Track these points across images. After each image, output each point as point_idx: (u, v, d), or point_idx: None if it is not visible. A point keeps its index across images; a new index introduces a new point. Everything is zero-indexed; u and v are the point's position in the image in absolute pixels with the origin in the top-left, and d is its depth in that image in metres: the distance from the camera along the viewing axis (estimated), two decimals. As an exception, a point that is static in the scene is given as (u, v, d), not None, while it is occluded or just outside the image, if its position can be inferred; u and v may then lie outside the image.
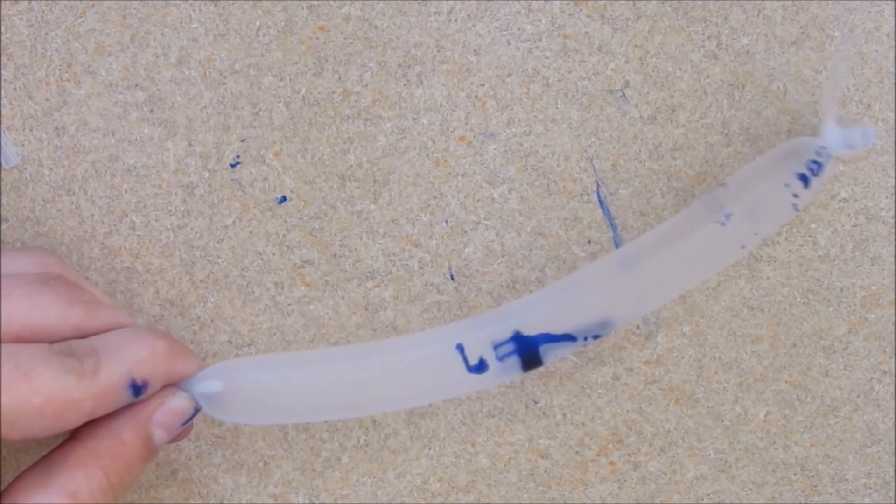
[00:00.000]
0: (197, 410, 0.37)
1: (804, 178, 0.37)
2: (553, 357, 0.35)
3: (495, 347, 0.35)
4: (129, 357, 0.34)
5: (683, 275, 0.36)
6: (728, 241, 0.37)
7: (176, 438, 0.37)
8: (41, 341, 0.34)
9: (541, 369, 0.42)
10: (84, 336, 0.35)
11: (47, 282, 0.34)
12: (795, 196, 0.37)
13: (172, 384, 0.36)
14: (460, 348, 0.35)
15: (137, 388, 0.35)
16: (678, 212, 0.38)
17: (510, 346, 0.35)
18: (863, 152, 0.37)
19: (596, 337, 0.36)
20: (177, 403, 0.36)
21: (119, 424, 0.35)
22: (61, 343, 0.34)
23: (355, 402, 0.36)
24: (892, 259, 0.43)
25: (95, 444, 0.34)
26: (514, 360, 0.35)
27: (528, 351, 0.35)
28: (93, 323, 0.35)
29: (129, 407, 0.35)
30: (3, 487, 0.35)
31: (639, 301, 0.36)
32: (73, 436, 0.35)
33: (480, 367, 0.34)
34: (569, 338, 0.35)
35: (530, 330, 0.34)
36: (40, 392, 0.32)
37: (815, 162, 0.37)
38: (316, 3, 0.42)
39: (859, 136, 0.37)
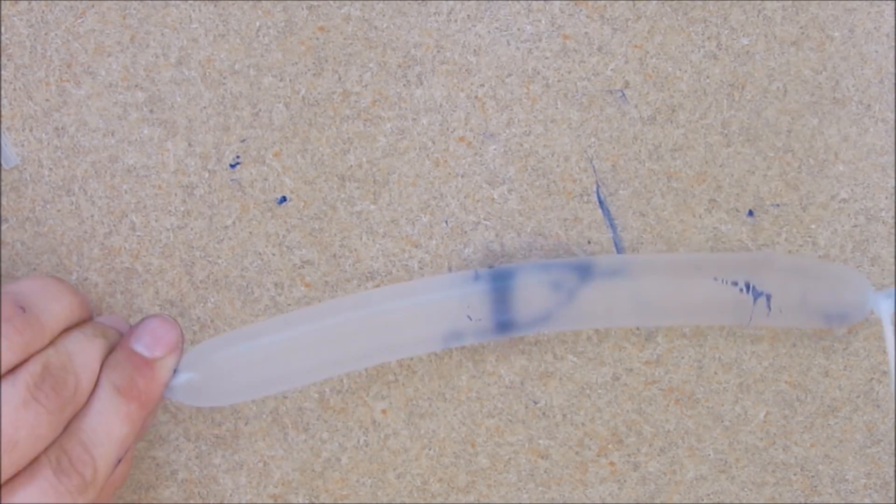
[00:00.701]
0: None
1: (830, 319, 0.39)
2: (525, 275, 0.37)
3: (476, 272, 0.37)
4: (117, 444, 0.36)
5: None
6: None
7: None
8: (38, 453, 0.34)
9: (540, 369, 0.42)
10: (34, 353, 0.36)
11: (40, 398, 0.34)
12: (827, 320, 0.39)
13: None
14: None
15: (119, 459, 0.36)
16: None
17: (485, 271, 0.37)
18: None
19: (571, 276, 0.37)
20: (153, 418, 0.38)
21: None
22: (56, 450, 0.35)
23: (324, 362, 0.37)
24: (892, 259, 0.43)
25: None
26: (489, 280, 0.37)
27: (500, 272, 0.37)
28: (78, 408, 0.36)
29: None
30: None
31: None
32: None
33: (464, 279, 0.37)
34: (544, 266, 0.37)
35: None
36: None
37: (843, 315, 0.39)
38: (316, 3, 0.42)
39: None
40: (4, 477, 0.33)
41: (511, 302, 0.37)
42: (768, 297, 0.37)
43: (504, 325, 0.37)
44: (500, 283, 0.37)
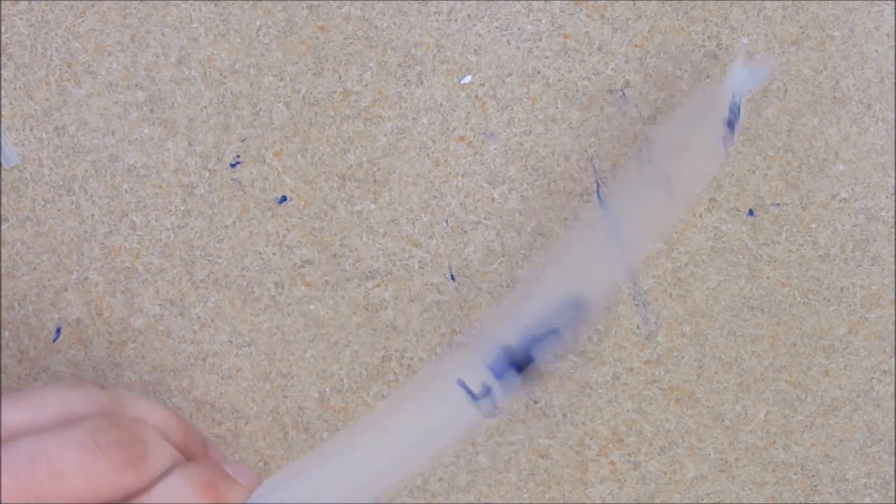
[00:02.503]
0: None
1: (730, 123, 0.38)
2: (544, 355, 0.36)
3: (492, 370, 0.35)
4: None
5: (630, 239, 0.37)
6: (671, 201, 0.37)
7: None
8: None
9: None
10: (132, 494, 0.34)
11: (101, 446, 0.32)
12: (725, 137, 0.38)
13: None
14: (462, 384, 0.35)
15: None
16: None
17: (505, 363, 0.36)
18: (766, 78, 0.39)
19: (577, 323, 0.36)
20: None
21: None
22: None
23: (384, 473, 0.36)
24: (892, 259, 0.43)
25: None
26: (511, 373, 0.36)
27: (519, 359, 0.35)
28: (142, 481, 0.34)
29: None
30: None
31: (603, 270, 0.37)
32: None
33: (486, 393, 0.35)
34: (552, 332, 0.35)
35: (517, 340, 0.35)
36: None
37: (734, 105, 0.38)
38: (316, 3, 0.42)
39: (763, 71, 0.38)
40: None
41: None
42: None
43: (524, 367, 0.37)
44: (521, 359, 0.36)
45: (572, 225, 0.41)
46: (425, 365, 0.42)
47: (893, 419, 0.43)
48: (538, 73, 0.42)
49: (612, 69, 0.42)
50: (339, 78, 0.42)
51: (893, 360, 0.43)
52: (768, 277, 0.43)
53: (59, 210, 0.42)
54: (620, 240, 0.42)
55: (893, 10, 0.42)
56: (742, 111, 0.38)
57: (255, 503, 0.35)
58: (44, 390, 0.34)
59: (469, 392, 0.35)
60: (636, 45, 0.42)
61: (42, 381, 0.42)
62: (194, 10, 0.41)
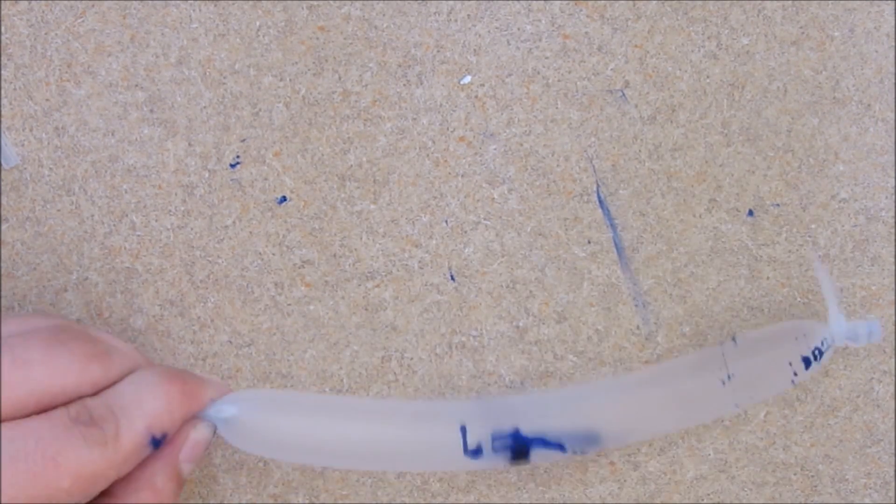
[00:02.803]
0: (214, 430, 0.37)
1: (807, 361, 0.39)
2: (540, 458, 0.38)
3: (494, 439, 0.37)
4: (147, 413, 0.34)
5: (672, 415, 0.39)
6: (724, 399, 0.39)
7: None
8: (58, 404, 0.33)
9: (540, 369, 0.42)
10: (100, 389, 0.35)
11: (62, 339, 0.33)
12: (795, 374, 0.39)
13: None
14: (463, 431, 0.37)
15: (157, 441, 0.35)
16: (683, 353, 0.41)
17: (507, 441, 0.38)
18: (865, 345, 0.41)
19: (583, 452, 0.38)
20: (200, 435, 0.36)
21: (151, 473, 0.35)
22: (78, 405, 0.33)
23: (354, 456, 0.38)
24: (892, 259, 0.43)
25: (133, 498, 0.35)
26: (506, 454, 0.38)
27: (520, 448, 0.38)
28: (109, 375, 0.34)
29: (156, 454, 0.35)
30: None
31: (627, 426, 0.39)
32: (107, 492, 0.35)
33: (476, 452, 0.37)
34: (559, 446, 0.38)
35: (528, 431, 0.37)
36: (68, 474, 0.32)
37: (818, 349, 0.39)
38: (316, 3, 0.42)
39: (864, 332, 0.39)
40: (16, 402, 0.32)
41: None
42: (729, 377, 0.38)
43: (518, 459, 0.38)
44: (519, 448, 0.38)
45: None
46: (441, 395, 0.42)
47: (893, 419, 0.43)
48: (538, 73, 0.42)
49: (612, 69, 0.42)
50: (339, 78, 0.42)
51: (893, 360, 0.43)
52: (768, 278, 0.43)
53: (59, 210, 0.42)
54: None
55: (893, 10, 0.42)
56: (824, 360, 0.39)
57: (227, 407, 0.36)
58: (3, 317, 0.34)
59: (464, 443, 0.37)
60: (636, 45, 0.42)
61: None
62: (194, 10, 0.41)
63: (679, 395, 0.39)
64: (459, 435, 0.37)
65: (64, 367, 0.33)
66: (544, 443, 0.37)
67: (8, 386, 0.32)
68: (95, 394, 0.34)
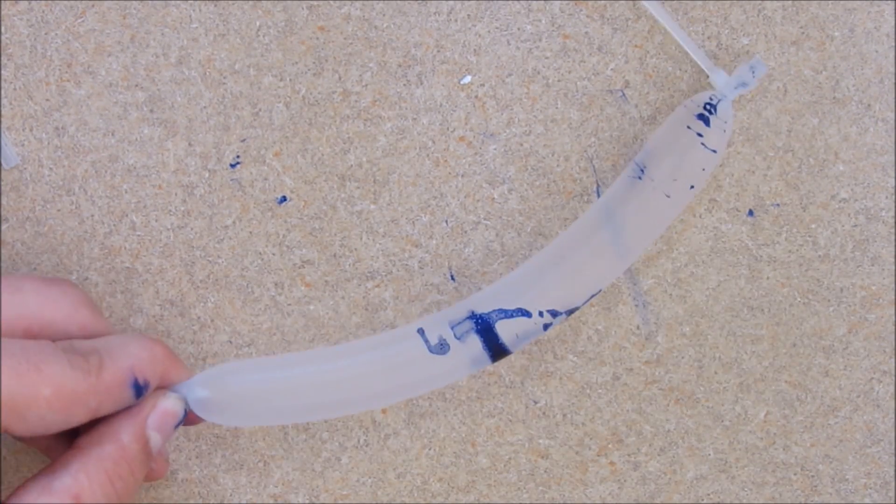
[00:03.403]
0: (186, 413, 0.37)
1: (703, 118, 0.38)
2: (514, 337, 0.37)
3: (453, 327, 0.37)
4: (131, 356, 0.35)
5: (625, 239, 0.38)
6: (651, 194, 0.38)
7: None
8: (47, 338, 0.34)
9: (540, 369, 0.42)
10: (88, 338, 0.36)
11: (57, 283, 0.35)
12: (700, 135, 0.38)
13: (163, 388, 0.37)
14: (420, 332, 0.37)
15: (139, 388, 0.36)
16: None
17: (467, 325, 0.37)
18: (758, 85, 0.40)
19: (554, 314, 0.38)
20: (168, 405, 0.37)
21: (118, 429, 0.36)
22: (65, 341, 0.34)
23: (334, 402, 0.38)
24: (892, 259, 0.43)
25: (98, 450, 0.35)
26: (474, 339, 0.37)
27: (485, 328, 0.37)
28: (97, 326, 0.36)
29: (125, 411, 0.36)
30: (4, 491, 0.35)
31: (565, 295, 0.38)
32: (75, 445, 0.36)
33: (441, 347, 0.37)
34: (523, 312, 0.37)
35: (484, 308, 0.37)
36: (49, 383, 0.33)
37: (709, 105, 0.39)
38: (316, 3, 0.42)
39: (748, 72, 0.39)
40: (6, 322, 0.33)
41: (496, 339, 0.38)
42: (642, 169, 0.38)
43: (493, 345, 0.38)
44: (485, 328, 0.37)
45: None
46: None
47: (893, 419, 0.43)
48: (538, 73, 0.42)
49: (612, 69, 0.42)
50: (339, 78, 0.42)
51: (893, 360, 0.43)
52: (768, 278, 0.43)
53: (59, 210, 0.42)
54: (620, 242, 0.42)
55: (893, 10, 0.42)
56: (721, 112, 0.39)
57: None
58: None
59: (426, 342, 0.37)
60: (636, 45, 0.42)
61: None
62: (194, 10, 0.41)
63: (621, 216, 0.38)
64: (418, 337, 0.37)
65: (55, 302, 0.34)
66: (504, 312, 0.37)
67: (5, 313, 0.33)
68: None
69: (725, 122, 0.39)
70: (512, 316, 0.37)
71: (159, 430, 0.36)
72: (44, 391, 0.32)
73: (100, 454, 0.35)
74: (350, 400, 0.38)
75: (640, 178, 0.38)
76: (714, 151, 0.39)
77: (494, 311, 0.37)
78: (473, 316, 0.38)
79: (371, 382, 0.37)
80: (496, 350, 0.38)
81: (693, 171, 0.39)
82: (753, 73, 0.39)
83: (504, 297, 0.37)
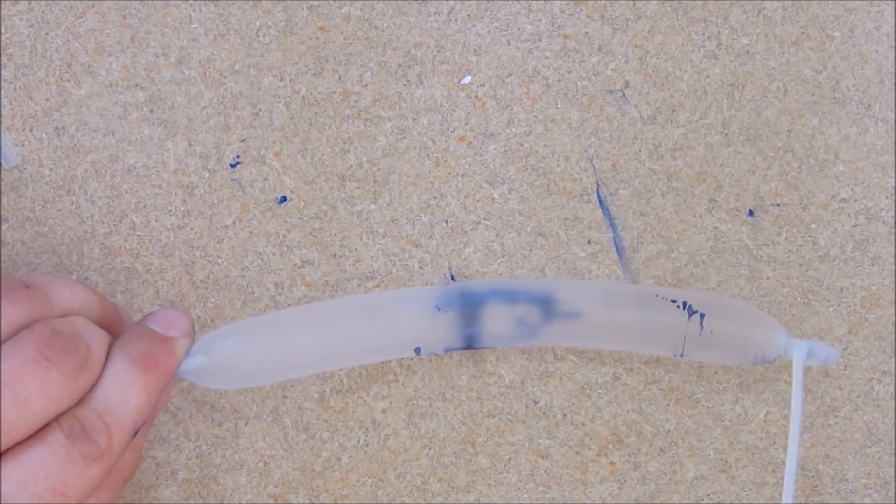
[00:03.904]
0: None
1: (755, 361, 0.39)
2: (492, 316, 0.39)
3: (438, 299, 0.38)
4: (133, 412, 0.35)
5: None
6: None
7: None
8: (51, 417, 0.34)
9: (540, 369, 0.42)
10: (86, 393, 0.35)
11: (53, 357, 0.34)
12: (742, 362, 0.40)
13: None
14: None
15: (136, 431, 0.36)
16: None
17: (453, 298, 0.38)
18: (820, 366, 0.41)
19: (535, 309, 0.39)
20: (168, 399, 0.37)
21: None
22: (69, 419, 0.34)
23: (326, 359, 0.38)
24: (892, 259, 0.43)
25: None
26: (455, 313, 0.38)
27: (468, 305, 0.38)
28: (93, 379, 0.35)
29: None
30: None
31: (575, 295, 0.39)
32: None
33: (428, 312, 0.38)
34: (509, 298, 0.38)
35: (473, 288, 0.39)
36: (75, 497, 0.33)
37: (767, 357, 0.39)
38: (316, 3, 0.42)
39: (821, 356, 0.39)
40: (16, 436, 0.32)
41: (478, 325, 0.38)
42: (702, 316, 0.38)
43: (470, 339, 0.39)
44: (468, 309, 0.38)
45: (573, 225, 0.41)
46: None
47: (893, 419, 0.43)
48: (538, 73, 0.42)
49: (612, 69, 0.42)
50: (339, 78, 0.42)
51: (893, 360, 0.43)
52: (768, 278, 0.43)
53: (59, 210, 0.42)
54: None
55: (893, 10, 0.42)
56: (767, 362, 0.39)
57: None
58: None
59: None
60: (636, 46, 0.42)
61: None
62: (194, 10, 0.41)
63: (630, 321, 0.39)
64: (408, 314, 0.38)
65: (58, 393, 0.33)
66: (492, 293, 0.38)
67: (11, 428, 0.32)
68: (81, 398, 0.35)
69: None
70: (497, 301, 0.39)
71: (148, 423, 0.37)
72: None
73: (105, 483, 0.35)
74: (336, 360, 0.39)
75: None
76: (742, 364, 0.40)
77: (485, 292, 0.39)
78: (462, 292, 0.38)
79: (357, 355, 0.39)
80: (471, 318, 0.39)
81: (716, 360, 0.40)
82: (824, 359, 0.39)
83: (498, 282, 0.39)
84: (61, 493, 0.33)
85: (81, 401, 0.34)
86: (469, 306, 0.38)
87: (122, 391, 0.35)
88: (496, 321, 0.38)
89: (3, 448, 0.32)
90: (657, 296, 0.39)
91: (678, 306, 0.38)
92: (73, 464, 0.33)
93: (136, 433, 0.35)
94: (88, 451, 0.33)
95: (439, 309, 0.38)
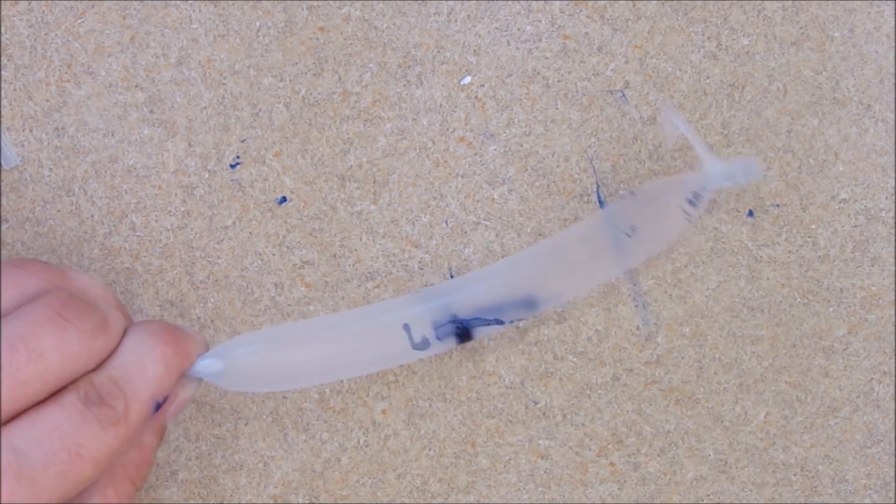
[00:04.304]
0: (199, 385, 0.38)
1: (692, 203, 0.39)
2: (484, 333, 0.40)
3: (436, 328, 0.39)
4: (150, 381, 0.35)
5: (597, 268, 0.40)
6: (634, 249, 0.40)
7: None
8: (68, 378, 0.34)
9: (540, 369, 0.42)
10: (103, 359, 0.35)
11: (70, 316, 0.34)
12: (687, 214, 0.40)
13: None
14: (407, 328, 0.39)
15: (159, 405, 0.35)
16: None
17: (449, 329, 0.39)
18: (746, 184, 0.41)
19: (521, 318, 0.40)
20: (187, 393, 0.37)
21: (141, 432, 0.36)
22: (85, 384, 0.34)
23: (323, 372, 0.39)
24: (892, 259, 0.43)
25: (121, 459, 0.35)
26: (451, 339, 0.39)
27: (462, 331, 0.39)
28: (111, 345, 0.35)
29: None
30: None
31: (559, 286, 0.40)
32: None
33: (424, 344, 0.39)
34: (497, 322, 0.39)
35: (466, 314, 0.39)
36: (91, 462, 0.33)
37: (698, 193, 0.39)
38: (316, 3, 0.42)
39: (742, 171, 0.39)
40: (31, 392, 0.32)
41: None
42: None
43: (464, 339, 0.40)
44: (462, 331, 0.40)
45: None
46: (379, 301, 0.43)
47: (893, 420, 0.43)
48: (538, 73, 0.42)
49: (611, 70, 0.42)
50: (339, 79, 0.42)
51: (893, 360, 0.43)
52: (768, 278, 0.43)
53: (58, 211, 0.42)
54: (621, 248, 0.42)
55: (893, 11, 0.42)
56: (705, 201, 0.39)
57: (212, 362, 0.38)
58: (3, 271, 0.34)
59: (410, 338, 0.39)
60: (636, 46, 0.42)
61: None
62: (194, 10, 0.41)
63: (597, 250, 0.40)
64: (405, 333, 0.39)
65: (74, 351, 0.33)
66: (483, 322, 0.39)
67: (25, 383, 0.32)
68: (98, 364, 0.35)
69: (706, 205, 0.40)
70: (489, 325, 0.39)
71: (174, 415, 0.37)
72: (87, 472, 0.33)
73: (124, 463, 0.35)
74: (334, 374, 0.40)
75: (629, 235, 0.39)
76: (690, 222, 0.40)
77: (475, 318, 0.39)
78: (456, 321, 0.39)
79: (356, 363, 0.39)
80: (464, 341, 0.40)
81: (674, 237, 0.41)
82: (748, 174, 0.39)
83: (484, 296, 0.40)
84: (76, 454, 0.32)
85: (98, 367, 0.34)
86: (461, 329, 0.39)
87: (140, 359, 0.35)
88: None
89: (21, 407, 0.32)
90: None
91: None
92: (89, 426, 0.33)
93: (156, 407, 0.35)
94: (104, 416, 0.33)
95: (439, 339, 0.39)
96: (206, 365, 0.37)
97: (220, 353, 0.37)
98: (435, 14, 0.42)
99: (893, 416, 0.43)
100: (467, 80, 0.42)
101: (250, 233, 0.42)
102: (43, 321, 0.33)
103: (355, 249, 0.42)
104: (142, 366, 0.35)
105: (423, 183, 0.42)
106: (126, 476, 0.35)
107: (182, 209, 0.42)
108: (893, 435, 0.43)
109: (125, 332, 0.35)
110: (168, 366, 0.35)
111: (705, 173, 0.39)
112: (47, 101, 0.41)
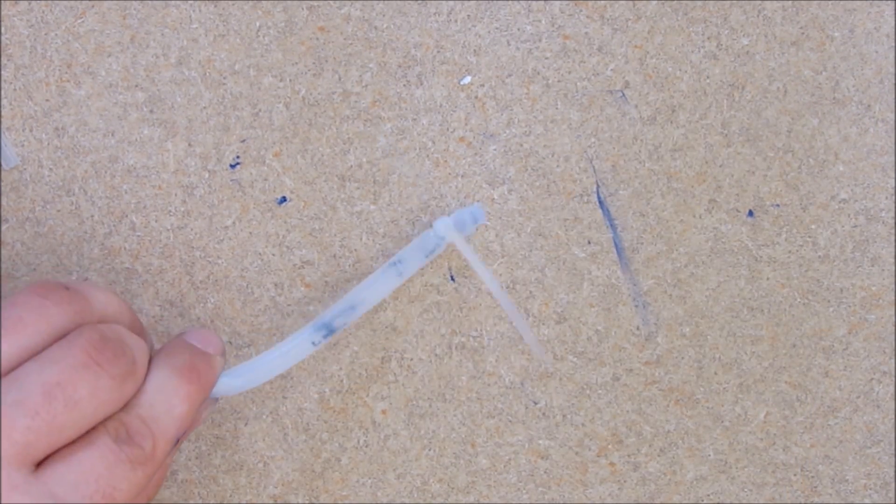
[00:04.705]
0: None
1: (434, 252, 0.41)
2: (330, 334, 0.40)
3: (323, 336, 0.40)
4: (176, 420, 0.35)
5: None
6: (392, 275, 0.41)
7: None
8: (99, 421, 0.34)
9: (540, 369, 0.42)
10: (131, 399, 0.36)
11: (102, 361, 0.34)
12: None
13: None
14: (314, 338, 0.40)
15: (178, 440, 0.36)
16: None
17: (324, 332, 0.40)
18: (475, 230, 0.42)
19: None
20: (206, 413, 0.38)
21: None
22: (116, 423, 0.34)
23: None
24: (892, 259, 0.43)
25: None
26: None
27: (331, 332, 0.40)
28: (138, 385, 0.36)
29: None
30: None
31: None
32: None
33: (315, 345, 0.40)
34: (331, 330, 0.40)
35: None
36: (123, 501, 0.34)
37: (437, 246, 0.41)
38: (316, 3, 0.42)
39: (469, 219, 0.41)
40: (65, 438, 0.33)
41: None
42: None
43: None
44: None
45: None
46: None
47: (893, 420, 0.43)
48: (538, 73, 0.42)
49: (611, 70, 0.42)
50: (339, 79, 0.42)
51: (893, 361, 0.43)
52: (768, 278, 0.43)
53: (58, 211, 0.42)
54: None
55: (893, 11, 0.42)
56: (440, 249, 0.41)
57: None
58: (17, 307, 0.35)
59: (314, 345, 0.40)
60: (636, 46, 0.42)
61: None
62: (194, 10, 0.41)
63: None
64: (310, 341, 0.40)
65: (107, 396, 0.34)
66: (330, 329, 0.40)
67: (62, 430, 0.33)
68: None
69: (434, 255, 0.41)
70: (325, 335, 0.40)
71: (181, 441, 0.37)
72: None
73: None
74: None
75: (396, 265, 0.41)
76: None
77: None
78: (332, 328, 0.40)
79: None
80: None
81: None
82: (474, 220, 0.41)
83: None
84: (110, 496, 0.33)
85: (126, 406, 0.35)
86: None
87: (167, 399, 0.36)
88: None
89: (53, 449, 0.33)
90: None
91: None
92: (121, 467, 0.34)
93: (177, 441, 0.36)
94: (135, 455, 0.34)
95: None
96: (227, 386, 0.38)
97: (239, 372, 0.38)
98: (435, 14, 0.42)
99: (893, 416, 0.43)
100: (467, 80, 0.42)
101: (250, 233, 0.42)
102: (79, 367, 0.33)
103: (355, 249, 0.42)
104: (169, 405, 0.35)
105: (423, 183, 0.42)
106: (145, 494, 0.36)
107: (182, 209, 0.42)
108: (893, 435, 0.43)
109: (150, 361, 0.36)
110: (192, 402, 0.36)
111: (435, 231, 0.40)
112: (47, 101, 0.41)
